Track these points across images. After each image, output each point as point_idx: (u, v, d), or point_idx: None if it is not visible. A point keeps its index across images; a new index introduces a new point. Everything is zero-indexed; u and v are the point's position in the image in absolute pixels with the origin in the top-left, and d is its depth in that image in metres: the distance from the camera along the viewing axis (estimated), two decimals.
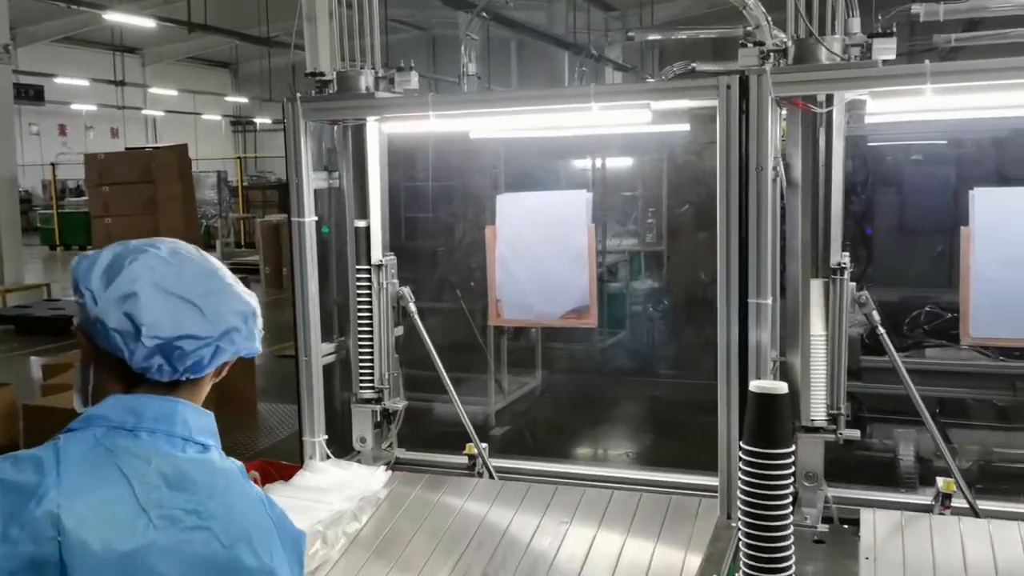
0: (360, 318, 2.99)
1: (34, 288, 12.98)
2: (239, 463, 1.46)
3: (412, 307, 2.97)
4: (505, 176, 5.55)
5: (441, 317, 4.81)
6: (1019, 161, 4.23)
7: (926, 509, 2.45)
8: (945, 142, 4.56)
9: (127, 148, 19.46)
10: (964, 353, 4.11)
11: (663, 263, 6.52)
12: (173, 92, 29.97)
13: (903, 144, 4.71)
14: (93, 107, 28.45)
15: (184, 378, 1.40)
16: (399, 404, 3.08)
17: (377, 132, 2.85)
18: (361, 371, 3.01)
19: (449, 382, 2.93)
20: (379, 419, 3.08)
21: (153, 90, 29.84)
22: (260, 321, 1.51)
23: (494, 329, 5.63)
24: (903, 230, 4.59)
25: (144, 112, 30.74)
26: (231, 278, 1.50)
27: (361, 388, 3.02)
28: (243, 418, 7.88)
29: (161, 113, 31.06)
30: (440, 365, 2.92)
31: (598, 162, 6.61)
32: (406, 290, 3.00)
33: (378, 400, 3.03)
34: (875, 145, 4.62)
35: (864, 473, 3.65)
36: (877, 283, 4.27)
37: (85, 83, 26.84)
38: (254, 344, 1.49)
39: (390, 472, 2.83)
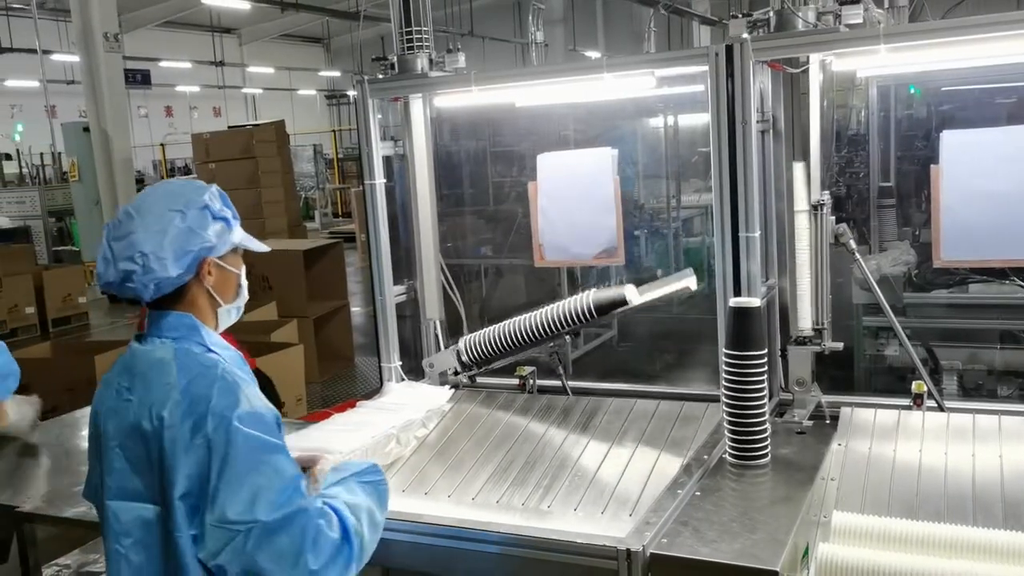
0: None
1: None
2: (187, 348, 1.97)
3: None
4: (579, 137, 5.96)
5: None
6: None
7: (905, 408, 2.85)
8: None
9: (229, 126, 20.52)
10: (1006, 287, 4.43)
11: None
12: (270, 70, 31.11)
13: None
14: (196, 88, 29.76)
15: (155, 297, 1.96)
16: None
17: (424, 105, 3.42)
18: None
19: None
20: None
21: (251, 69, 31.00)
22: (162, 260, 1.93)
23: (567, 284, 6.12)
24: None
25: (244, 91, 31.93)
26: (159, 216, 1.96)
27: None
28: (341, 370, 8.64)
29: (259, 90, 32.23)
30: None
31: (670, 120, 6.94)
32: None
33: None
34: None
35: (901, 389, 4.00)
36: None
37: (187, 65, 28.11)
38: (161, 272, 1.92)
39: (454, 390, 3.40)
